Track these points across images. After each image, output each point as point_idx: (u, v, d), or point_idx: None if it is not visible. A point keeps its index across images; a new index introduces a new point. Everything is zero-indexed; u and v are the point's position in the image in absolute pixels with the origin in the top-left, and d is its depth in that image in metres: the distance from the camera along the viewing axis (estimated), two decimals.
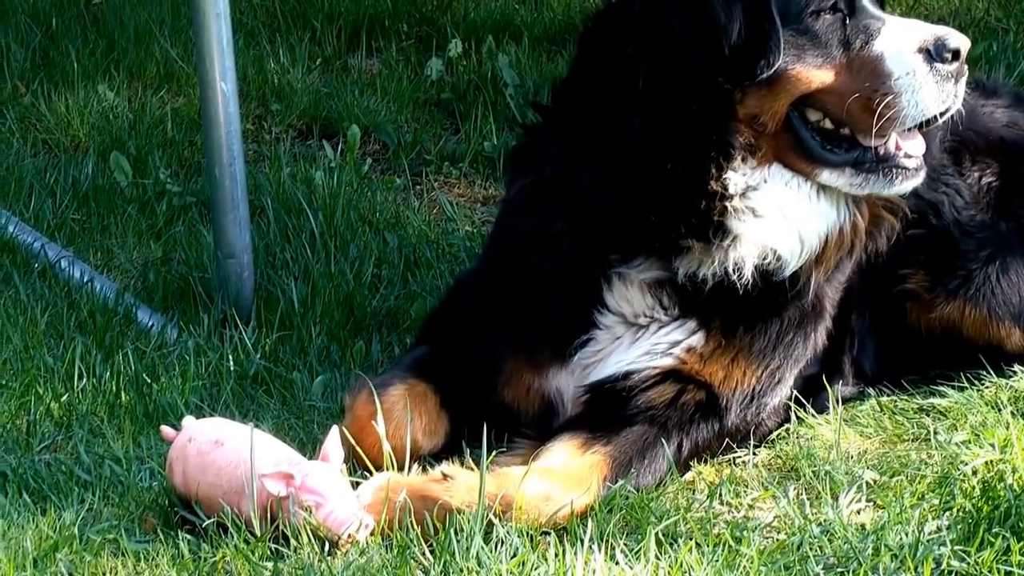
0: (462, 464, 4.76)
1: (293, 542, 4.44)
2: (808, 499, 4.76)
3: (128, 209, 6.69)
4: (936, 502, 4.69)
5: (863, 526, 4.57)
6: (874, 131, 4.80)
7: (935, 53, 4.80)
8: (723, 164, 4.78)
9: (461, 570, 4.32)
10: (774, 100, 4.81)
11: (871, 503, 4.77)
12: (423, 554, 4.41)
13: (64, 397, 5.29)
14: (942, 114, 4.86)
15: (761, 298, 4.94)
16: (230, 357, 5.53)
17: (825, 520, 4.59)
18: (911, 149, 4.91)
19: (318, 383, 5.41)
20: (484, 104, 7.65)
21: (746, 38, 4.74)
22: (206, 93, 5.76)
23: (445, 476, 4.60)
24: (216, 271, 5.89)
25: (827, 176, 4.87)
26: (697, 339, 4.97)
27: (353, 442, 4.80)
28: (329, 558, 4.42)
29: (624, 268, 4.94)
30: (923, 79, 4.79)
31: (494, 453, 4.81)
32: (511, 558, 4.37)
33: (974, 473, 4.80)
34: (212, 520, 4.49)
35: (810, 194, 4.89)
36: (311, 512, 4.46)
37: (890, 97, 4.78)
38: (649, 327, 4.98)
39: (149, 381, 5.37)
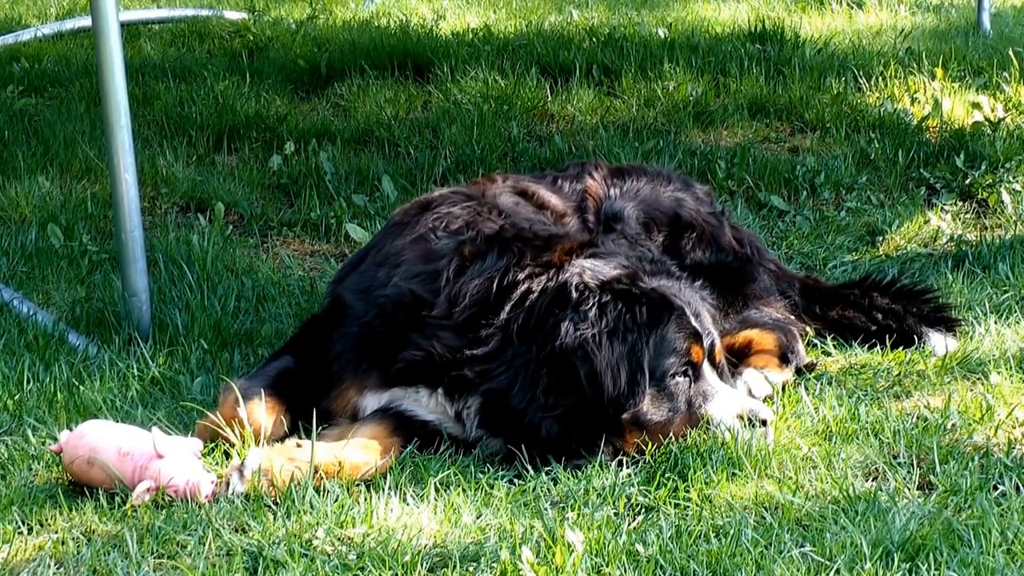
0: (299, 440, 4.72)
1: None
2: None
3: (60, 263, 6.57)
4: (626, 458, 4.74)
5: (578, 474, 4.59)
6: None
7: (748, 420, 4.75)
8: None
9: (299, 511, 4.29)
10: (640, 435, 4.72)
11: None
12: (274, 501, 4.39)
13: (16, 396, 5.18)
14: None
15: None
16: (134, 366, 5.43)
17: (552, 471, 4.61)
18: None
19: (197, 383, 5.33)
20: (310, 187, 7.61)
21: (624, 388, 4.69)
22: (115, 182, 5.67)
23: (299, 444, 4.57)
24: (123, 306, 5.80)
25: None
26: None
27: (223, 422, 4.75)
28: (207, 505, 4.38)
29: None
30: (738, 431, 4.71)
31: (321, 428, 4.80)
32: (334, 502, 4.35)
33: None
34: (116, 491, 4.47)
35: None
36: (165, 488, 4.42)
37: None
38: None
39: (77, 384, 5.27)
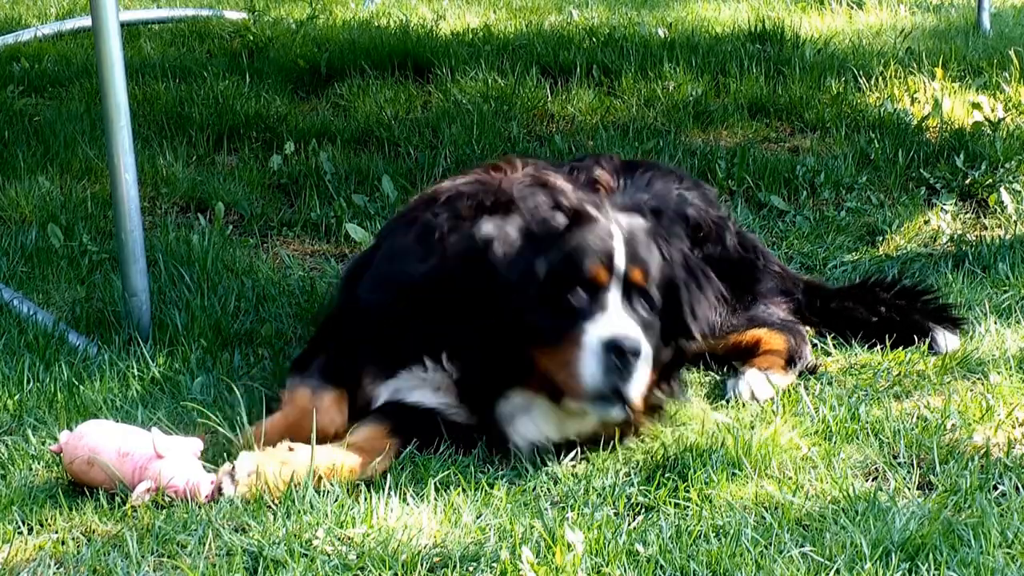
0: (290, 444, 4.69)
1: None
2: (540, 458, 4.77)
3: (61, 263, 6.56)
4: (625, 458, 4.73)
5: (577, 475, 4.59)
6: None
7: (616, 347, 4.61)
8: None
9: (299, 511, 4.29)
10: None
11: (584, 460, 4.78)
12: (273, 501, 4.39)
13: (16, 396, 5.18)
14: None
15: None
16: (135, 366, 5.43)
17: (552, 471, 4.62)
18: None
19: (197, 383, 5.32)
20: (310, 187, 7.60)
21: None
22: (115, 181, 5.66)
23: (291, 448, 4.56)
24: (124, 306, 5.79)
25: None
26: None
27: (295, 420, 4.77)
28: (207, 505, 4.38)
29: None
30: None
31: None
32: (334, 502, 4.35)
33: (654, 438, 4.86)
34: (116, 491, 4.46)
35: None
36: (165, 488, 4.41)
37: None
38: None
39: (77, 384, 5.26)
